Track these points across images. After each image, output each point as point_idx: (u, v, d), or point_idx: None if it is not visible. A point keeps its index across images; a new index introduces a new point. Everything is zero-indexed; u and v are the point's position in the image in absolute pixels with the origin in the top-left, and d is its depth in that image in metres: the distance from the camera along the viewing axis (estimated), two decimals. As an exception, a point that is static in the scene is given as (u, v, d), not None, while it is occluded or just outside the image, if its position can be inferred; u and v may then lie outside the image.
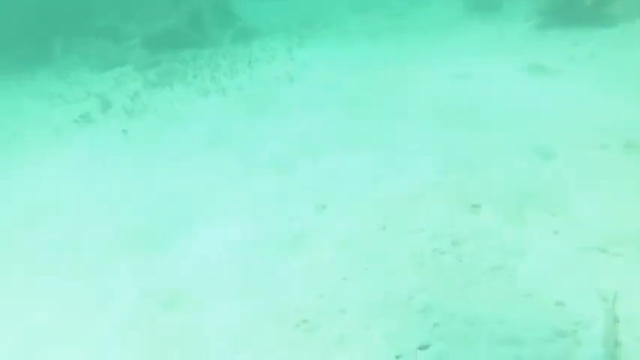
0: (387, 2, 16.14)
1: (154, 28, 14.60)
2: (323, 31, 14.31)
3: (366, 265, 4.37)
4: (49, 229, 5.82)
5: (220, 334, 3.89)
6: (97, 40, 14.35)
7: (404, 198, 5.29)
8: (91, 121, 9.24)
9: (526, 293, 3.89)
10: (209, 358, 3.68)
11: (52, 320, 4.34)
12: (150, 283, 4.60)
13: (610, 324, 3.41)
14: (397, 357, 3.44)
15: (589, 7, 10.23)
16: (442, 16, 14.05)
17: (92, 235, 5.55)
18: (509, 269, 4.15)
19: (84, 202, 6.31)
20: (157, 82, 11.19)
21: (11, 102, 11.54)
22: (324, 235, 4.89)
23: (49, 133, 9.06)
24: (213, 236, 5.17)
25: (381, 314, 3.84)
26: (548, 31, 10.90)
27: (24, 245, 5.56)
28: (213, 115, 8.62)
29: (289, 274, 4.44)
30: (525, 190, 5.17)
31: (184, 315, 4.16)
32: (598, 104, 6.91)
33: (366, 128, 7.13)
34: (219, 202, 5.80)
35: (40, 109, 10.75)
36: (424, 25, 13.41)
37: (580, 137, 6.10)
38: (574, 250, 4.28)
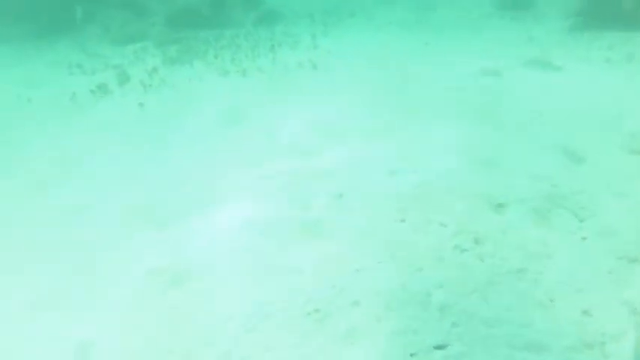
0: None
1: (176, 6, 14.44)
2: (348, 20, 14.04)
3: (383, 258, 4.18)
4: (59, 199, 5.70)
5: (228, 317, 3.73)
6: (119, 13, 14.22)
7: (425, 191, 5.07)
8: (107, 93, 9.11)
9: (551, 299, 3.68)
10: (217, 339, 3.53)
11: (57, 289, 4.22)
12: (158, 260, 4.45)
13: (643, 338, 3.20)
14: (412, 355, 3.25)
15: (627, 10, 9.86)
16: (472, 11, 13.71)
17: (103, 208, 5.42)
18: (534, 272, 3.94)
19: (96, 173, 6.18)
20: (177, 59, 11.04)
21: (29, 69, 11.46)
22: (340, 224, 4.70)
23: (64, 101, 8.94)
24: (226, 217, 5.00)
25: (396, 309, 3.65)
26: (583, 32, 10.56)
27: (34, 213, 5.44)
28: (232, 95, 8.45)
29: (302, 261, 4.26)
30: (553, 192, 4.94)
31: (192, 294, 4.00)
32: (632, 109, 6.62)
33: (387, 119, 6.91)
34: (234, 183, 5.63)
35: (57, 78, 10.64)
36: (452, 20, 13.09)
37: (611, 142, 5.86)
38: (603, 259, 4.06)
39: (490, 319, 3.51)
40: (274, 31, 13.38)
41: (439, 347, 3.28)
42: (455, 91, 7.79)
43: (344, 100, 7.80)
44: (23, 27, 14.38)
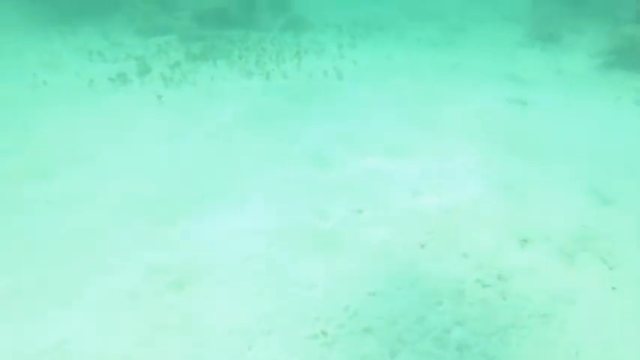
0: (446, 15, 15.68)
1: (205, 3, 14.37)
2: (377, 34, 13.88)
3: (400, 284, 3.94)
4: (63, 185, 5.50)
5: (229, 329, 3.50)
6: (145, 4, 14.14)
7: (448, 217, 4.84)
8: (126, 82, 8.97)
9: (577, 351, 3.42)
10: (213, 353, 3.30)
11: (42, 278, 4.00)
12: (160, 259, 4.23)
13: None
14: (425, 396, 3.01)
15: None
16: (503, 37, 13.51)
17: (107, 198, 5.21)
18: (559, 318, 3.69)
19: (105, 163, 5.98)
20: (200, 55, 10.90)
21: (48, 52, 11.35)
22: (357, 242, 4.47)
23: (81, 86, 8.80)
24: (237, 221, 4.78)
25: (411, 343, 3.41)
26: (612, 71, 10.33)
27: (35, 198, 5.25)
28: (254, 97, 8.27)
29: (313, 277, 4.03)
30: (581, 233, 4.69)
31: (191, 300, 3.78)
32: (666, 156, 6.38)
33: (411, 136, 6.70)
34: (249, 186, 5.41)
35: (76, 63, 10.53)
36: (483, 44, 12.89)
37: (644, 187, 5.61)
38: (634, 313, 3.79)
39: (511, 365, 3.26)
40: (301, 38, 13.25)
41: (456, 391, 3.04)
42: (481, 116, 7.57)
43: (368, 112, 7.60)
44: (46, 10, 14.32)
